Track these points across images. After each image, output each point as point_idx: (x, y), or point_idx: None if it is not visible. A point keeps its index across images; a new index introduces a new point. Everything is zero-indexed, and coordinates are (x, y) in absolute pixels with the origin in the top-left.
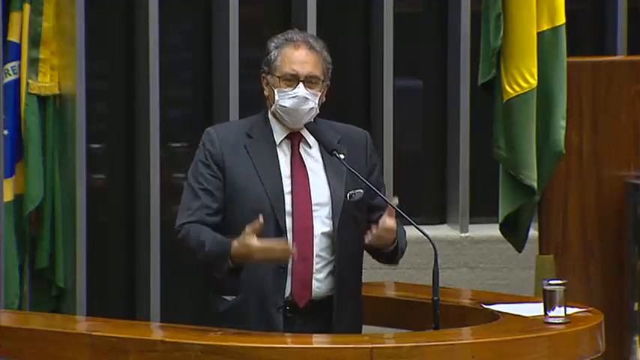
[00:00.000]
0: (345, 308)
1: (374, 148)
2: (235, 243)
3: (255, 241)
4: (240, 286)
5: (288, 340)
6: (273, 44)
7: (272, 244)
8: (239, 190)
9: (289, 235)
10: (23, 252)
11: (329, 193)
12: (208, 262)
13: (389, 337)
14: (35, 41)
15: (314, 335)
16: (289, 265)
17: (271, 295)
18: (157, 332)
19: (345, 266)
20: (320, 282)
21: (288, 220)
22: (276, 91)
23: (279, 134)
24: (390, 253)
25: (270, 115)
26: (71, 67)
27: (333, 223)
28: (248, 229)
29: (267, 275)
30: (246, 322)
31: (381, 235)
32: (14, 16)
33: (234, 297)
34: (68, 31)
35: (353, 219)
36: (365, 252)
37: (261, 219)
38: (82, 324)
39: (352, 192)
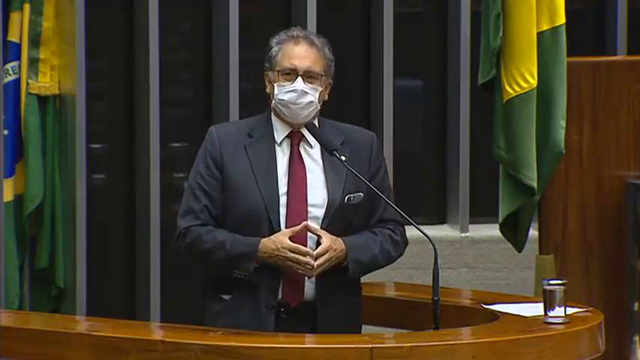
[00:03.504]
0: (331, 310)
1: (380, 150)
2: (265, 239)
3: (287, 240)
4: (235, 286)
5: (288, 340)
6: (275, 41)
7: (302, 249)
8: (235, 191)
9: None
10: (23, 252)
11: (325, 195)
12: (229, 260)
13: (389, 337)
14: (35, 41)
15: (314, 335)
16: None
17: (264, 294)
18: (157, 332)
19: (329, 268)
20: (312, 283)
21: (282, 222)
22: (275, 85)
23: (280, 133)
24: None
25: (272, 114)
26: (71, 67)
27: (322, 225)
28: (286, 229)
29: (261, 275)
30: (237, 320)
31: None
32: (14, 16)
33: (230, 296)
34: (68, 31)
35: (346, 222)
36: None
37: (302, 227)
38: (82, 324)
39: (351, 195)
